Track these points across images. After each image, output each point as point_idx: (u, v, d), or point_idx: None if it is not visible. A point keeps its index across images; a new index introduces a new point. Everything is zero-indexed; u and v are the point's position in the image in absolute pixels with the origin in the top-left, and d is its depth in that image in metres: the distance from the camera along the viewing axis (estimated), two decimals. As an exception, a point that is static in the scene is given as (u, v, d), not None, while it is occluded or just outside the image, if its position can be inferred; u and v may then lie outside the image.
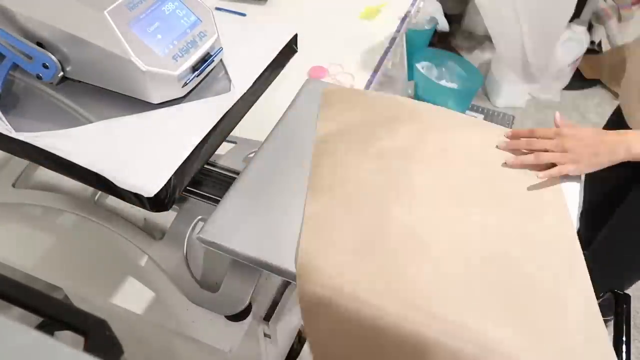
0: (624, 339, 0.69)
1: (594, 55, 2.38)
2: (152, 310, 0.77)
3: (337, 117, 0.79)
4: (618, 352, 0.68)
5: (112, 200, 0.87)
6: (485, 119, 2.24)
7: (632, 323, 0.71)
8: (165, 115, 0.65)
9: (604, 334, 0.55)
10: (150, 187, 0.57)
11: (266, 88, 0.76)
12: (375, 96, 0.85)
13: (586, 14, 2.27)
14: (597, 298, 0.68)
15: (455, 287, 0.58)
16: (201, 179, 0.83)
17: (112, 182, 0.58)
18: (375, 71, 1.18)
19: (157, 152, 0.61)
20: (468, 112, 2.24)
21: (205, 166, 0.84)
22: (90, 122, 0.64)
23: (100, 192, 0.87)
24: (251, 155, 0.89)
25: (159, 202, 0.58)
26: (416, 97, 2.13)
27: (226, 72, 0.72)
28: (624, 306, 0.72)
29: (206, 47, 0.66)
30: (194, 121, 0.65)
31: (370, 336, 0.56)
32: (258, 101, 0.74)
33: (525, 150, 0.73)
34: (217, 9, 1.29)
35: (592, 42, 2.32)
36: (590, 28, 2.33)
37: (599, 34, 2.40)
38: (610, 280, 0.97)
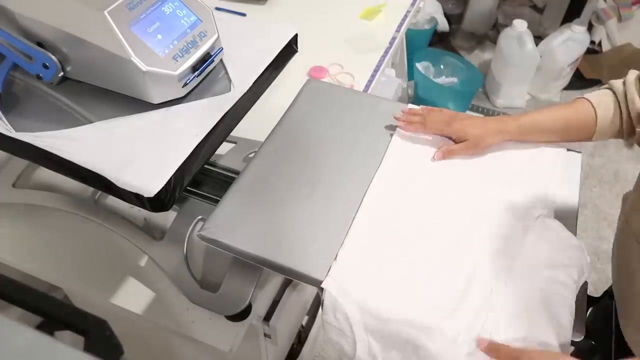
0: None
1: (594, 55, 2.38)
2: (152, 310, 0.77)
3: None
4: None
5: (112, 200, 0.87)
6: (485, 119, 2.24)
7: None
8: (165, 115, 0.65)
9: None
10: (150, 187, 0.57)
11: (266, 88, 0.76)
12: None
13: (586, 14, 2.27)
14: None
15: None
16: (201, 179, 0.83)
17: (112, 182, 0.58)
18: (375, 71, 1.18)
19: (157, 152, 0.61)
20: (468, 112, 2.24)
21: (205, 166, 0.84)
22: (90, 122, 0.64)
23: (100, 192, 0.87)
24: (251, 155, 0.89)
25: (159, 202, 0.58)
26: (416, 97, 2.13)
27: (226, 72, 0.72)
28: None
29: (206, 47, 0.66)
30: (194, 121, 0.65)
31: None
32: (258, 101, 0.74)
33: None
34: (217, 9, 1.29)
35: (592, 42, 2.32)
36: (590, 28, 2.33)
37: (599, 34, 2.39)
38: None
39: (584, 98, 0.72)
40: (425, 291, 0.60)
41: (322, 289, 0.60)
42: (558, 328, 0.57)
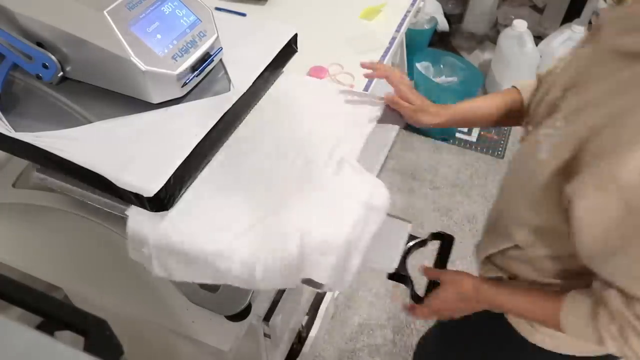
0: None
1: (594, 55, 2.38)
2: (152, 310, 0.77)
3: None
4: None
5: (112, 200, 0.87)
6: (485, 118, 2.24)
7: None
8: (165, 115, 0.65)
9: None
10: (150, 187, 0.57)
11: (266, 88, 0.76)
12: None
13: (586, 14, 2.28)
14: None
15: None
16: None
17: (112, 182, 0.58)
18: (375, 71, 1.17)
19: (157, 152, 0.61)
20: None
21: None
22: (90, 122, 0.64)
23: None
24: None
25: (159, 202, 0.58)
26: (416, 97, 2.13)
27: (226, 72, 0.72)
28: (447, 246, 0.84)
29: (206, 47, 0.66)
30: (193, 121, 0.65)
31: None
32: (258, 101, 0.74)
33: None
34: (217, 9, 1.29)
35: (592, 42, 2.32)
36: (590, 28, 2.33)
37: (599, 34, 2.40)
38: None
39: (513, 86, 0.78)
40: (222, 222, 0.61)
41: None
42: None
